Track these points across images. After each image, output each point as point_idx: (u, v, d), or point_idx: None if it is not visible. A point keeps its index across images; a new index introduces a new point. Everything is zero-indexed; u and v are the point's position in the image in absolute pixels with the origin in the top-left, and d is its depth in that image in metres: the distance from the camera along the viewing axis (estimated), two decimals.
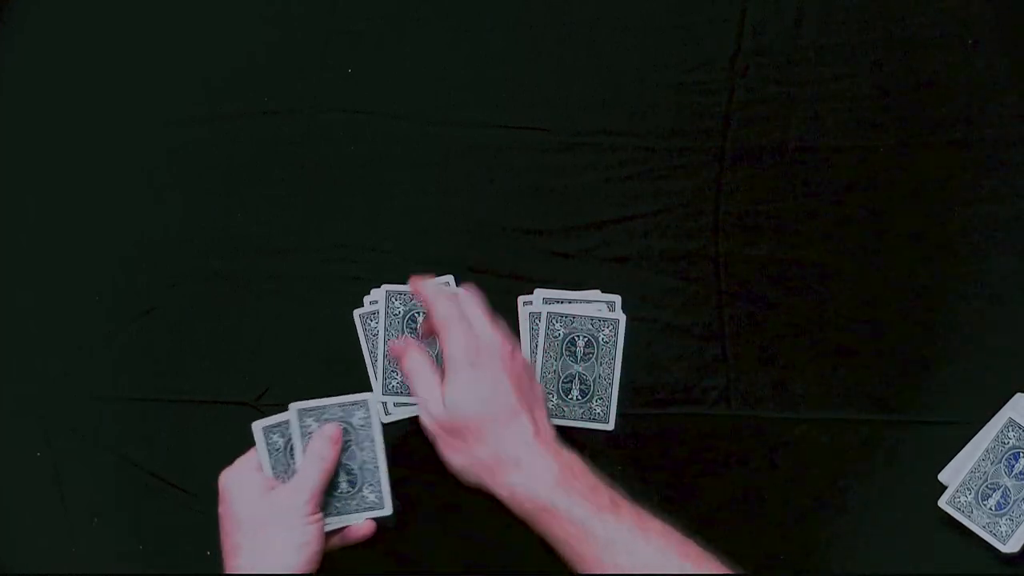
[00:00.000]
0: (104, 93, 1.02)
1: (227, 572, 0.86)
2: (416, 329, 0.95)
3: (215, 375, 1.00)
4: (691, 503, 0.97)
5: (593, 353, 0.95)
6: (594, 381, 0.95)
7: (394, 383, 0.96)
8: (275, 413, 0.99)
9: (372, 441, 0.91)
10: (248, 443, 0.99)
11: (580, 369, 0.96)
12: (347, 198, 1.00)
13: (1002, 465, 0.93)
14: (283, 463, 0.90)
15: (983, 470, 0.93)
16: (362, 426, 0.91)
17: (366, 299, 0.96)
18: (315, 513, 0.86)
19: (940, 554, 0.94)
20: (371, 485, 0.91)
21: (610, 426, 0.96)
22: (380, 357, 0.95)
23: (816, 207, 0.98)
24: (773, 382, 0.97)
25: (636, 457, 0.97)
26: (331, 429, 0.89)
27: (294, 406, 0.90)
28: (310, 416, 0.90)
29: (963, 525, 0.93)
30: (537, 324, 0.96)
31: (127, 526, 1.00)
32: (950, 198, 0.97)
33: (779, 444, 0.97)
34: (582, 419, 0.96)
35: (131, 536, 1.00)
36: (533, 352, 0.96)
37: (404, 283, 0.97)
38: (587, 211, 0.98)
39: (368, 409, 0.90)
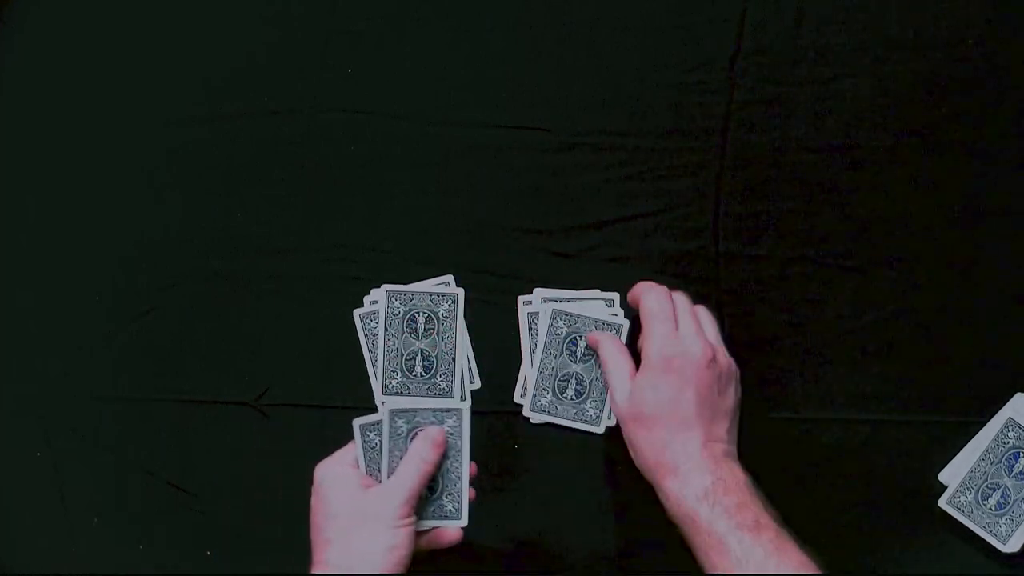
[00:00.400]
0: (104, 93, 1.02)
1: (314, 564, 0.85)
2: (415, 329, 0.96)
3: (215, 375, 1.00)
4: None
5: (593, 355, 0.95)
6: (591, 383, 0.95)
7: (394, 383, 0.96)
8: (275, 413, 0.99)
9: (459, 450, 0.91)
10: (247, 443, 0.99)
11: (578, 369, 0.96)
12: (347, 198, 1.00)
13: (1002, 465, 0.93)
14: (377, 462, 0.89)
15: (983, 470, 0.93)
16: (451, 434, 0.91)
17: (366, 299, 0.96)
18: (408, 516, 0.86)
19: (940, 554, 0.94)
20: (451, 494, 0.90)
21: (600, 429, 0.96)
22: (380, 357, 0.95)
23: (816, 207, 0.98)
24: (773, 382, 0.97)
25: None
26: (436, 432, 0.89)
27: (387, 406, 0.90)
28: (401, 417, 0.90)
29: (963, 525, 0.93)
30: (537, 324, 0.96)
31: (127, 526, 1.00)
32: (950, 198, 0.97)
33: (780, 444, 0.96)
34: (574, 419, 0.96)
35: (131, 536, 1.00)
36: (533, 352, 0.96)
37: (404, 283, 0.97)
38: (587, 211, 0.98)
39: (460, 418, 0.90)
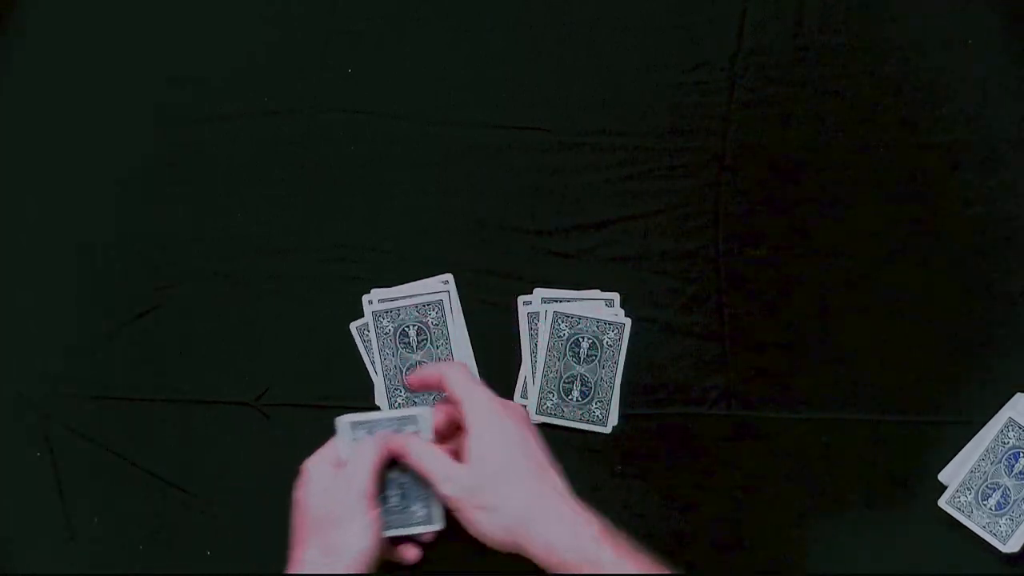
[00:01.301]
0: (104, 93, 1.02)
1: (291, 563, 0.87)
2: (409, 343, 0.96)
3: (215, 375, 1.00)
4: (691, 503, 0.97)
5: (596, 356, 0.95)
6: (595, 383, 0.96)
7: (399, 401, 0.97)
8: (275, 413, 0.99)
9: (447, 339, 0.93)
10: (247, 443, 0.99)
11: (583, 370, 0.96)
12: (347, 198, 1.00)
13: (1002, 465, 0.93)
14: (390, 348, 0.92)
15: (983, 470, 0.93)
16: (436, 325, 0.92)
17: (364, 298, 0.96)
18: (371, 511, 0.86)
19: (940, 554, 0.94)
20: (421, 500, 0.91)
21: (607, 429, 0.96)
22: (381, 375, 0.96)
23: (816, 207, 0.98)
24: (773, 382, 0.97)
25: (636, 457, 0.97)
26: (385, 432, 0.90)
27: (344, 419, 0.90)
28: (362, 428, 0.90)
29: (963, 525, 0.93)
30: (536, 324, 0.96)
31: (127, 526, 1.00)
32: (950, 198, 0.97)
33: (779, 444, 0.97)
34: (580, 420, 0.96)
35: (131, 536, 1.00)
36: (533, 352, 0.96)
37: (399, 283, 0.98)
38: (587, 211, 0.98)
39: (418, 423, 0.90)
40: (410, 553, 0.93)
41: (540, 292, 0.97)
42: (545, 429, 0.97)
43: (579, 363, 0.96)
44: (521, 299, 0.97)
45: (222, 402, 1.00)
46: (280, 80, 1.01)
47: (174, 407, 1.00)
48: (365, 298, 0.98)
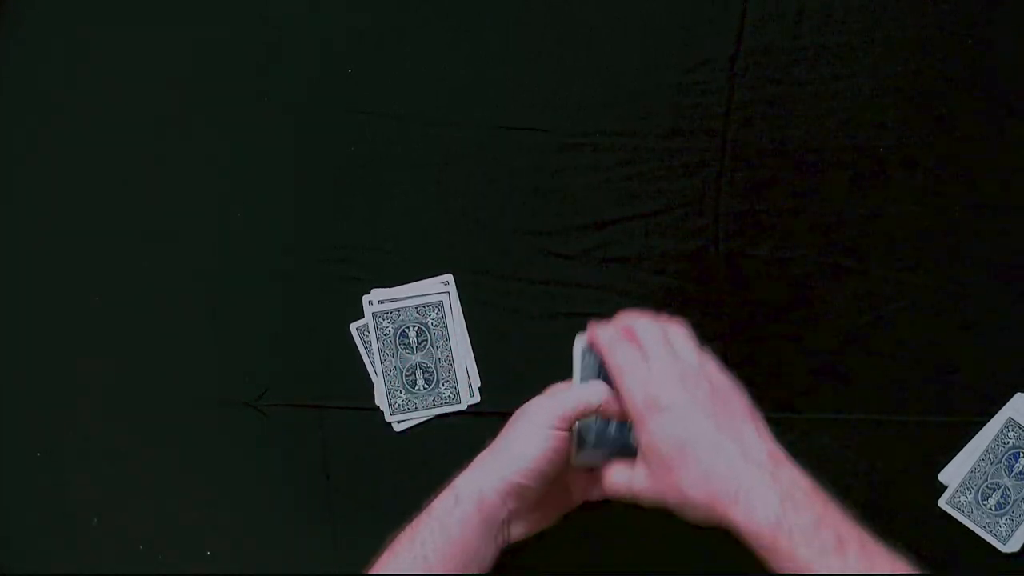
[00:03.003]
0: (104, 93, 1.02)
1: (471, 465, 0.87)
2: (408, 343, 0.96)
3: (215, 375, 1.00)
4: None
5: (427, 340, 0.96)
6: (436, 366, 0.96)
7: (399, 401, 0.97)
8: (275, 413, 0.99)
9: (447, 339, 0.93)
10: (247, 443, 0.99)
11: (419, 359, 0.96)
12: (347, 198, 1.00)
13: (1002, 465, 0.93)
14: (391, 348, 0.94)
15: (983, 470, 0.93)
16: (436, 326, 0.92)
17: (365, 299, 0.97)
18: (559, 429, 0.85)
19: (940, 554, 0.94)
20: (447, 382, 0.92)
21: (463, 405, 0.97)
22: (381, 376, 0.96)
23: (816, 207, 0.98)
24: (773, 382, 0.97)
25: (636, 457, 0.97)
26: (602, 388, 0.87)
27: (371, 308, 0.93)
28: (385, 319, 0.92)
29: (963, 525, 0.93)
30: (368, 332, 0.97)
31: (127, 526, 1.00)
32: (950, 198, 0.97)
33: (779, 444, 0.97)
34: (434, 406, 0.96)
35: (131, 536, 1.00)
36: (370, 355, 0.97)
37: (399, 283, 0.98)
38: (587, 211, 0.98)
39: (442, 309, 0.92)
40: (600, 486, 0.89)
41: (377, 292, 0.98)
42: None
43: (413, 353, 0.96)
44: (367, 298, 0.99)
45: (222, 402, 1.00)
46: (280, 80, 1.01)
47: (174, 407, 1.00)
48: (365, 299, 0.98)
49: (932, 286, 0.97)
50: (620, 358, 0.84)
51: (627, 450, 0.85)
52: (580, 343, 0.88)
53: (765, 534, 0.76)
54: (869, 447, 0.96)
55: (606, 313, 0.98)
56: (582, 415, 0.86)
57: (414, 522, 0.85)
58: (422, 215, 1.00)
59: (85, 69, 1.03)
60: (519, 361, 0.98)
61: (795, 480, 0.78)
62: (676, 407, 0.81)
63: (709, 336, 0.97)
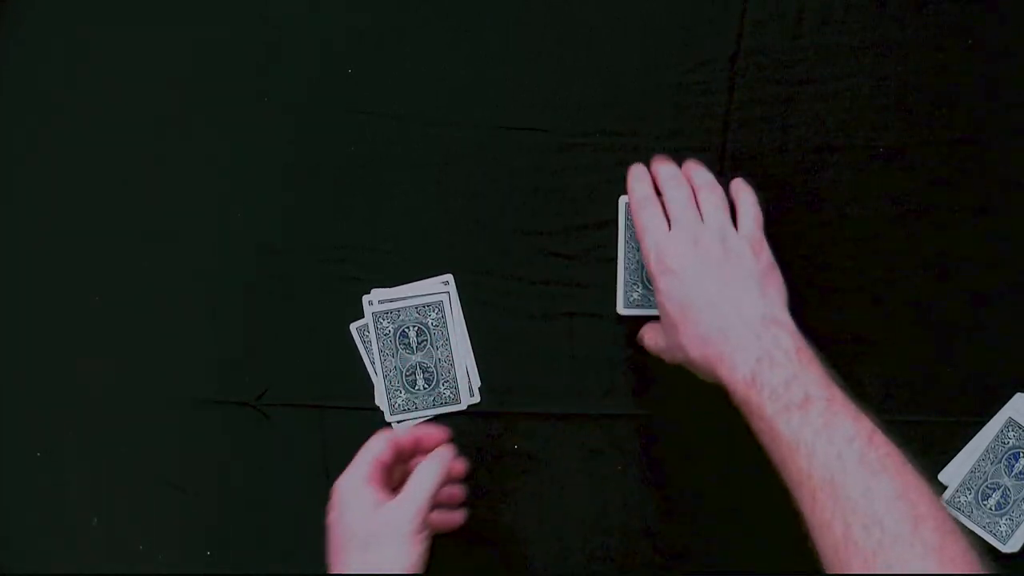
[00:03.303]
0: (104, 93, 1.02)
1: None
2: (408, 343, 0.96)
3: (215, 375, 1.00)
4: (691, 503, 0.97)
5: (427, 340, 0.96)
6: (436, 366, 0.96)
7: (399, 401, 0.97)
8: (275, 413, 0.99)
9: (447, 339, 0.94)
10: (247, 443, 0.99)
11: (419, 359, 0.96)
12: (347, 198, 1.00)
13: (1002, 465, 0.93)
14: (390, 348, 0.93)
15: (983, 470, 0.93)
16: (436, 326, 0.92)
17: (365, 299, 0.96)
18: (422, 531, 0.83)
19: None
20: (447, 382, 0.92)
21: (463, 406, 0.97)
22: (381, 376, 0.96)
23: (816, 207, 0.98)
24: None
25: (637, 456, 0.98)
26: (446, 452, 0.86)
27: (370, 308, 0.92)
28: (385, 319, 0.92)
29: (963, 525, 0.93)
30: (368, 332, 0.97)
31: (127, 526, 1.00)
32: (950, 198, 0.97)
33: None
34: (434, 406, 0.97)
35: (131, 536, 1.00)
36: (370, 355, 0.97)
37: (399, 283, 0.98)
38: (587, 212, 0.98)
39: (442, 309, 0.92)
40: (456, 517, 0.92)
41: (377, 292, 0.98)
42: (541, 425, 0.97)
43: (413, 353, 0.96)
44: (366, 299, 0.98)
45: (222, 402, 1.00)
46: (279, 80, 1.01)
47: (174, 407, 1.00)
48: (365, 299, 0.98)
49: (932, 286, 0.97)
50: (644, 219, 0.89)
51: None
52: (624, 201, 0.94)
53: (740, 390, 0.81)
54: None
55: (606, 314, 0.98)
56: (383, 459, 0.85)
57: None
58: (422, 215, 1.00)
59: (85, 69, 1.03)
60: (519, 361, 0.98)
61: (778, 340, 0.82)
62: (683, 270, 0.85)
63: None
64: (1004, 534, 0.92)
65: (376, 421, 0.98)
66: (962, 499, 0.93)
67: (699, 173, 0.92)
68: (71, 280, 1.02)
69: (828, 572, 0.74)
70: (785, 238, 0.98)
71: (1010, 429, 0.93)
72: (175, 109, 1.02)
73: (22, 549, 1.01)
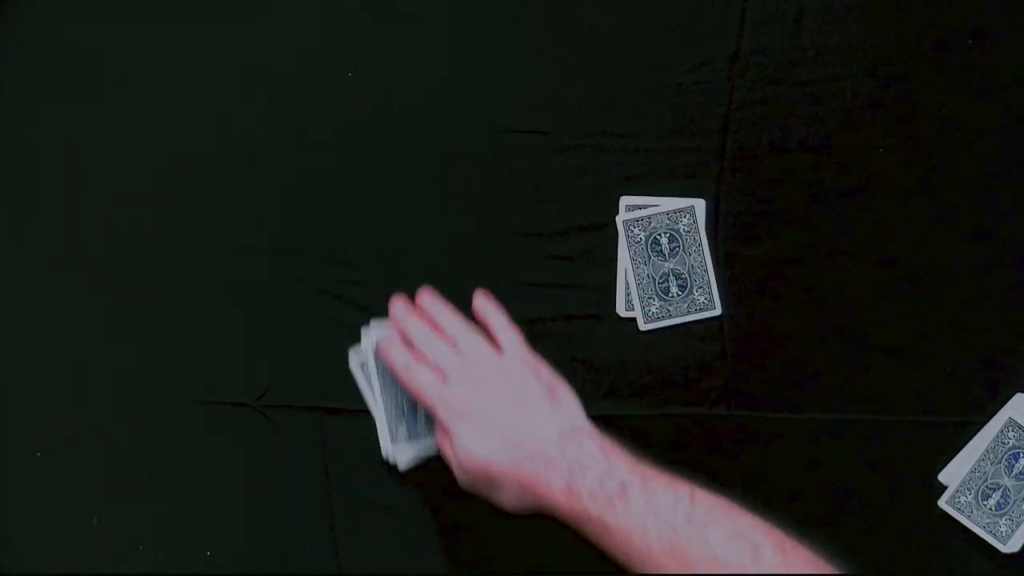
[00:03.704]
0: (104, 93, 1.02)
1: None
2: (661, 251, 0.96)
3: (215, 376, 1.00)
4: None
5: (679, 246, 0.95)
6: (689, 273, 0.95)
7: (652, 309, 0.96)
8: (275, 414, 0.99)
9: (700, 245, 0.93)
10: (247, 444, 0.99)
11: (672, 265, 0.96)
12: (347, 200, 1.00)
13: (1002, 465, 0.93)
14: (644, 255, 0.94)
15: (983, 470, 0.93)
16: (688, 232, 0.92)
17: (363, 331, 0.95)
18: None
19: (940, 554, 0.94)
20: (700, 287, 0.92)
21: (718, 310, 0.96)
22: (381, 408, 0.95)
23: (816, 207, 0.98)
24: (773, 382, 0.97)
25: None
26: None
27: (620, 216, 0.92)
28: (637, 226, 0.93)
29: (963, 525, 0.93)
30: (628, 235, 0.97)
31: (127, 526, 1.00)
32: (950, 198, 0.97)
33: (779, 444, 0.96)
34: (688, 313, 0.96)
35: (131, 536, 1.00)
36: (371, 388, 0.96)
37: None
38: (587, 213, 0.98)
39: (694, 216, 0.92)
40: None
41: (624, 200, 0.98)
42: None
43: (665, 260, 0.96)
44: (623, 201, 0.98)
45: (222, 403, 1.00)
46: (279, 82, 1.01)
47: (174, 407, 1.00)
48: (364, 330, 0.96)
49: (932, 286, 0.97)
50: (416, 379, 0.88)
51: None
52: (357, 356, 0.92)
53: (562, 504, 0.81)
54: (869, 447, 0.96)
55: (605, 316, 0.98)
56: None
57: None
58: (422, 217, 0.99)
59: (85, 69, 1.02)
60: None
61: (581, 446, 0.82)
62: (473, 418, 0.85)
63: (709, 336, 0.97)
64: (1004, 534, 0.92)
65: (376, 423, 0.98)
66: (962, 499, 0.93)
67: (433, 307, 0.92)
68: (71, 281, 1.02)
69: None
70: (785, 238, 0.98)
71: (1010, 429, 0.93)
72: (175, 109, 1.02)
73: (22, 549, 1.01)
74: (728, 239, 0.98)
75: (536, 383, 0.87)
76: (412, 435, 0.95)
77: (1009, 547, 0.92)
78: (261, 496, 0.99)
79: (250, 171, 1.01)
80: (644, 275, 0.97)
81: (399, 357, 0.90)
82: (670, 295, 0.96)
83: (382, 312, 0.95)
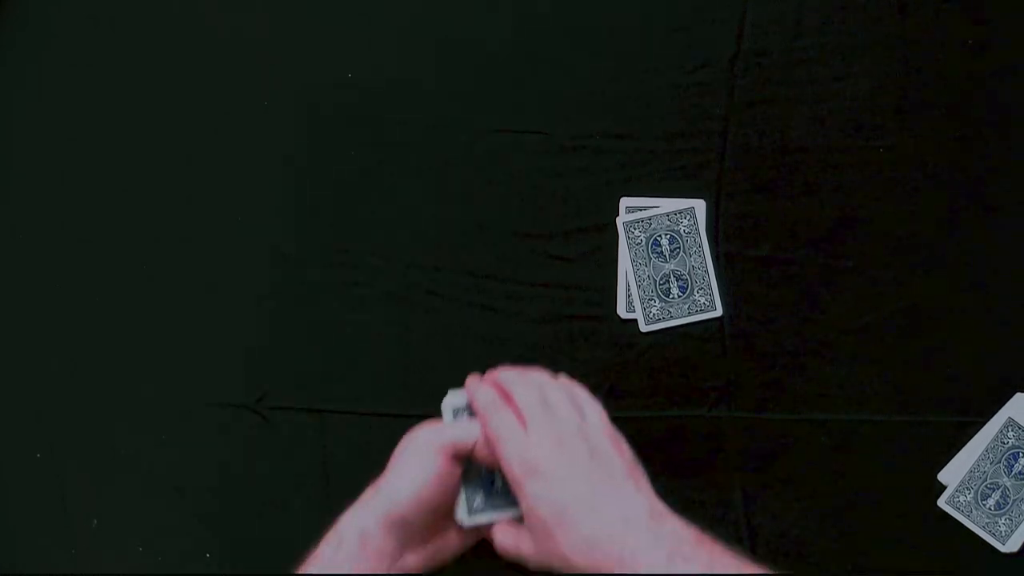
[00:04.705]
0: (103, 93, 1.02)
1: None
2: (662, 252, 0.95)
3: (215, 378, 1.00)
4: (691, 504, 0.97)
5: (680, 247, 0.95)
6: (689, 274, 0.95)
7: (653, 311, 0.96)
8: (274, 416, 0.99)
9: (700, 246, 0.93)
10: (247, 446, 0.99)
11: (672, 266, 0.96)
12: (347, 202, 1.00)
13: (1001, 465, 0.93)
14: (644, 256, 0.92)
15: (982, 470, 0.93)
16: (688, 233, 0.92)
17: (446, 403, 0.88)
18: (442, 455, 0.82)
19: (940, 554, 0.95)
20: (701, 288, 0.92)
21: (719, 312, 0.96)
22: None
23: (816, 207, 0.98)
24: (773, 382, 0.97)
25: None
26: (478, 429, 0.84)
27: (621, 218, 0.92)
28: (638, 228, 0.92)
29: (963, 525, 0.93)
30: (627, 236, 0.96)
31: (127, 526, 1.00)
32: (950, 198, 0.97)
33: (779, 444, 0.97)
34: (689, 314, 0.96)
35: (131, 536, 1.00)
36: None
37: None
38: (587, 214, 0.98)
39: (694, 216, 0.92)
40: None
41: (624, 201, 0.97)
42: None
43: (666, 261, 0.96)
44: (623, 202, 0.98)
45: (222, 405, 1.00)
46: (279, 84, 1.01)
47: (174, 409, 1.00)
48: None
49: (932, 286, 0.97)
50: (496, 423, 0.82)
51: (517, 509, 0.83)
52: (452, 401, 0.86)
53: None
54: (869, 447, 0.96)
55: (606, 316, 0.98)
56: (461, 449, 0.83)
57: (299, 569, 0.80)
58: (422, 219, 0.99)
59: (85, 69, 1.02)
60: (519, 363, 0.98)
61: (678, 533, 0.76)
62: (553, 472, 0.78)
63: (709, 337, 0.98)
64: (1003, 534, 0.92)
65: (375, 423, 0.98)
66: (961, 499, 0.93)
67: (538, 375, 0.86)
68: (72, 282, 1.02)
69: None
70: (785, 238, 0.98)
71: (1010, 429, 0.93)
72: (176, 111, 1.02)
73: (22, 549, 1.01)
74: (728, 240, 0.98)
75: (620, 460, 0.81)
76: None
77: (1008, 547, 0.92)
78: (261, 497, 0.99)
79: (252, 175, 1.01)
80: (645, 276, 0.97)
81: (484, 396, 0.84)
82: (671, 296, 0.96)
83: (382, 313, 0.95)
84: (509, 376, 0.85)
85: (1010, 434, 0.93)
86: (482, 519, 0.84)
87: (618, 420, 0.96)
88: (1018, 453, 0.93)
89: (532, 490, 0.78)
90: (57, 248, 1.02)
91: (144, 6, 1.03)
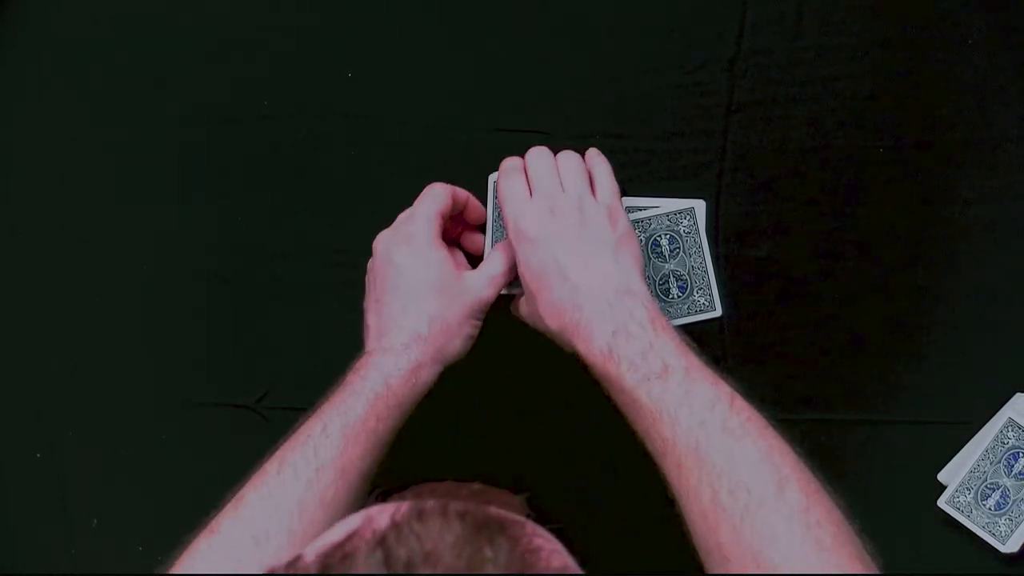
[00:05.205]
0: (105, 97, 1.02)
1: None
2: (661, 253, 0.96)
3: (215, 378, 1.00)
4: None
5: (679, 247, 0.95)
6: (689, 274, 0.95)
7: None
8: (275, 416, 0.99)
9: (700, 247, 0.93)
10: (247, 446, 0.99)
11: (672, 267, 0.95)
12: (347, 201, 1.00)
13: (1001, 465, 0.93)
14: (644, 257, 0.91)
15: (982, 470, 0.93)
16: (688, 233, 0.92)
17: (492, 177, 0.95)
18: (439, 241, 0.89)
19: (939, 554, 0.95)
20: (701, 289, 0.92)
21: (718, 312, 0.96)
22: (490, 241, 0.96)
23: (816, 208, 0.98)
24: (773, 382, 0.97)
25: (636, 458, 0.97)
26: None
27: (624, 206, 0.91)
28: (637, 228, 0.92)
29: (962, 525, 0.93)
30: None
31: (127, 526, 1.00)
32: (950, 198, 0.97)
33: None
34: (689, 314, 0.96)
35: (131, 536, 1.00)
36: None
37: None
38: None
39: (694, 217, 0.92)
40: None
41: (625, 201, 0.96)
42: (545, 424, 0.97)
43: (666, 261, 0.95)
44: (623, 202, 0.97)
45: (222, 404, 1.00)
46: (280, 85, 1.01)
47: (174, 409, 1.00)
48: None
49: (932, 286, 0.97)
50: (505, 188, 0.88)
51: None
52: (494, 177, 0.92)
53: (598, 363, 0.80)
54: (869, 447, 0.96)
55: None
56: (446, 210, 0.89)
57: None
58: None
59: (85, 69, 1.02)
60: (518, 363, 0.98)
61: (632, 311, 0.81)
62: (539, 239, 0.85)
63: (709, 337, 0.97)
64: (1003, 534, 0.92)
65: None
66: (961, 499, 0.93)
67: (566, 152, 0.91)
68: (72, 281, 1.02)
69: (696, 538, 0.75)
70: (784, 239, 0.98)
71: (1010, 429, 0.93)
72: (174, 111, 1.02)
73: (22, 549, 1.01)
74: (728, 240, 0.97)
75: (610, 233, 0.86)
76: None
77: (1008, 547, 0.92)
78: None
79: (250, 173, 1.01)
80: (645, 276, 0.96)
81: (508, 162, 0.90)
82: (671, 296, 0.96)
83: None
84: (536, 149, 0.90)
85: (1010, 434, 0.93)
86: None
87: (619, 420, 0.97)
88: (1018, 453, 0.93)
89: (520, 253, 0.86)
90: (57, 248, 1.02)
91: (144, 6, 1.03)
